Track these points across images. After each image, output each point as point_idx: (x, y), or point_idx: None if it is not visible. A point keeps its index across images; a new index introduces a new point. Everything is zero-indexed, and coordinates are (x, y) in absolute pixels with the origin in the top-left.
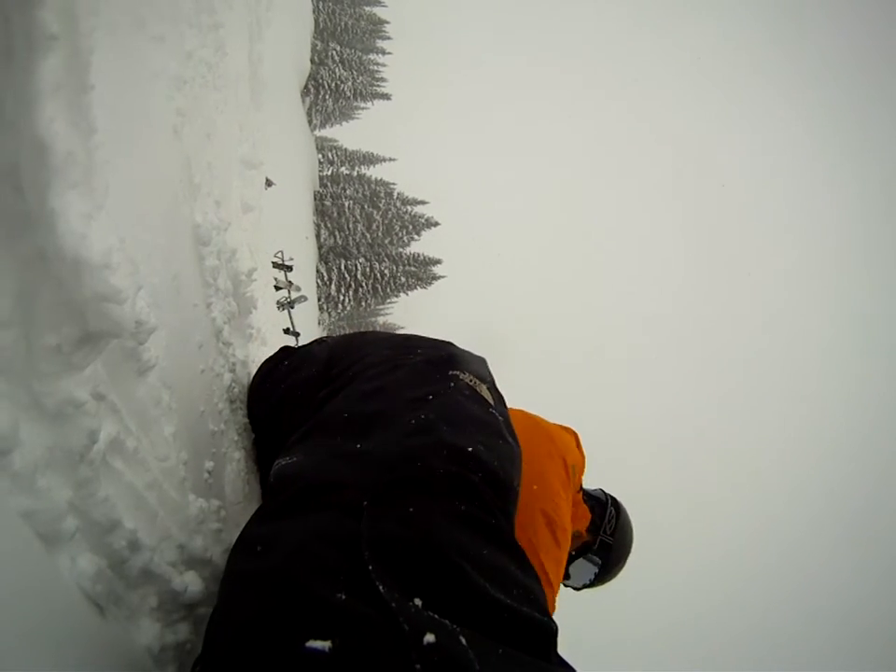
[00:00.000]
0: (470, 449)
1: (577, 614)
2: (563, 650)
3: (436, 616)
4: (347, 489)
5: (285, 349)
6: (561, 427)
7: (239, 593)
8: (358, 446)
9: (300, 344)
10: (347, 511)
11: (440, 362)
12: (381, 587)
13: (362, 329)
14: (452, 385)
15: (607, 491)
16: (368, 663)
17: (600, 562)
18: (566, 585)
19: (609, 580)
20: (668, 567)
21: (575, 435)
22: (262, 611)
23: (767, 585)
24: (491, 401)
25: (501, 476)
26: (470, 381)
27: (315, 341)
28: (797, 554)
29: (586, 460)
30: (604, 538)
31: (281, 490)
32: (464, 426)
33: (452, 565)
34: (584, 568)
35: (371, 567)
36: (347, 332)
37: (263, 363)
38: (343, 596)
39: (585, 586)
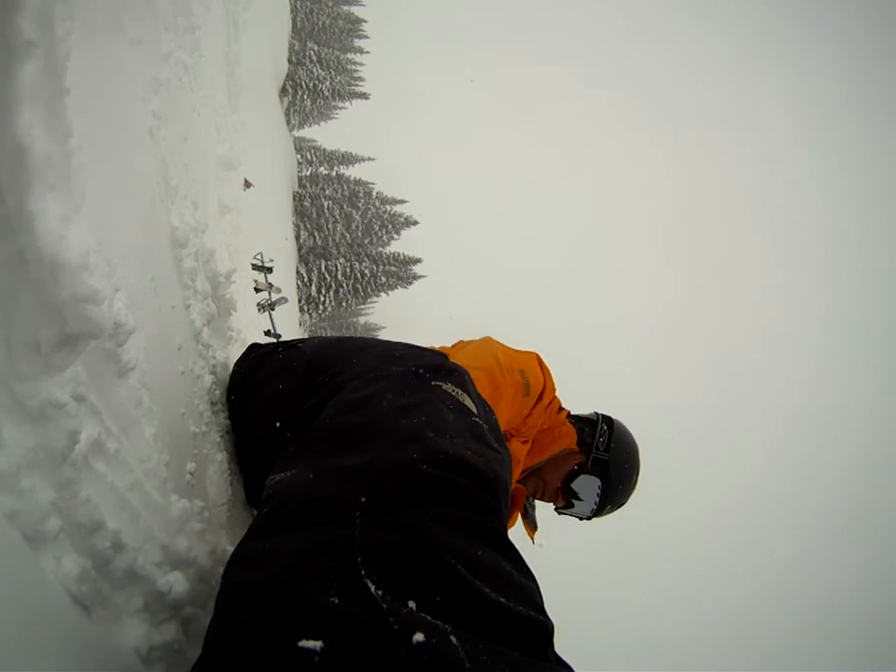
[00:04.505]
0: (460, 454)
1: (576, 614)
2: (563, 649)
3: (428, 617)
4: (341, 504)
5: (253, 347)
6: (521, 351)
7: (236, 602)
8: (349, 460)
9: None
10: (341, 523)
11: (423, 372)
12: (372, 590)
13: (342, 333)
14: (435, 394)
15: (601, 412)
16: (357, 660)
17: (599, 480)
18: (580, 517)
19: (621, 500)
20: (667, 566)
21: (536, 355)
22: (256, 616)
23: (766, 585)
24: (474, 410)
25: (491, 478)
26: (452, 391)
27: (290, 345)
28: (796, 554)
29: (553, 379)
30: (596, 454)
31: (276, 507)
32: (451, 433)
33: (443, 565)
34: (588, 483)
35: (363, 573)
36: (326, 336)
37: (234, 365)
38: (336, 600)
39: (595, 511)
